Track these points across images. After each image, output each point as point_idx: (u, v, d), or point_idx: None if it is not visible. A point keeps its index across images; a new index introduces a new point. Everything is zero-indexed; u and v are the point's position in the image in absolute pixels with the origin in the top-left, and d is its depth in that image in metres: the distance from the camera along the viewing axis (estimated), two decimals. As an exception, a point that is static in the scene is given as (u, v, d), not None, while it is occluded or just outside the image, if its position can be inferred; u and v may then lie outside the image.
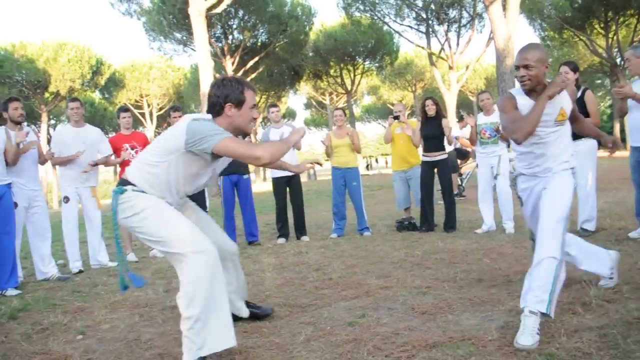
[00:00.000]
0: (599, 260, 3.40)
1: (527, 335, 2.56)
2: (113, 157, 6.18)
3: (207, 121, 2.74)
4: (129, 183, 2.77)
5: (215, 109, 2.78)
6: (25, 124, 5.53)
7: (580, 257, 3.37)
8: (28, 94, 28.84)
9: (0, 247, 4.79)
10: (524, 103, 3.05)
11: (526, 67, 2.95)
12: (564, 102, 3.06)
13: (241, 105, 2.77)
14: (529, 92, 3.05)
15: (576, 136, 5.36)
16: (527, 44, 3.08)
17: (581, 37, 29.50)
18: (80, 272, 5.65)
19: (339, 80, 36.04)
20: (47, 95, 29.96)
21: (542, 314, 2.63)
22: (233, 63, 26.14)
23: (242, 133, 2.89)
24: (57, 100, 30.46)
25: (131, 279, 2.96)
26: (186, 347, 2.54)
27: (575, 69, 5.52)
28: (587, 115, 5.34)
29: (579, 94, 5.43)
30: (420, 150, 6.96)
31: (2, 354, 3.03)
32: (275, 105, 7.22)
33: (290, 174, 6.90)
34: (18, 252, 5.24)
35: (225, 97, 2.75)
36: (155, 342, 3.04)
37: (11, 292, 4.76)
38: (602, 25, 28.92)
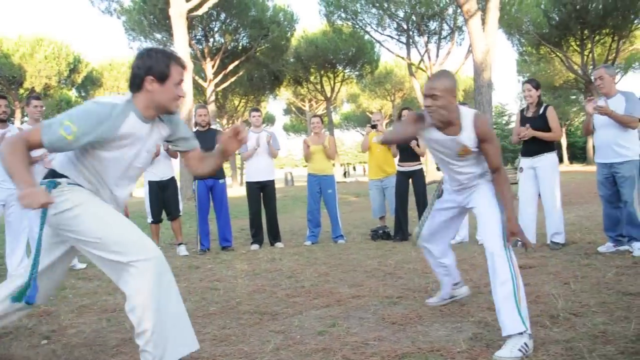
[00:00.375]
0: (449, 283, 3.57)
1: (506, 350, 2.55)
2: None
3: (87, 105, 2.39)
4: (61, 175, 2.43)
5: (136, 83, 2.41)
6: (10, 124, 5.42)
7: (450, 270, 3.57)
8: (2, 90, 28.24)
9: None
10: (430, 136, 3.00)
11: (432, 96, 2.83)
12: (466, 142, 2.92)
13: (164, 80, 2.40)
14: (440, 126, 2.93)
15: (538, 151, 5.55)
16: (437, 72, 3.01)
17: (558, 53, 30.14)
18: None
19: (319, 87, 36.13)
20: (21, 91, 29.40)
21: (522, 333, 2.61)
22: (213, 66, 26.02)
23: (165, 112, 2.51)
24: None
25: (32, 289, 2.37)
26: None
27: (537, 86, 5.76)
28: (549, 130, 5.56)
29: (541, 110, 5.65)
30: (396, 160, 7.01)
31: (-39, 358, 2.94)
32: (257, 110, 7.21)
33: (264, 178, 6.88)
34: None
35: (147, 69, 2.38)
36: (122, 349, 2.98)
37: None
38: (578, 42, 29.61)
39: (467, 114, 2.93)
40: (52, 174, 2.44)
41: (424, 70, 27.49)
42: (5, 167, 2.18)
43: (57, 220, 2.37)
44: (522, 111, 5.90)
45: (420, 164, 6.72)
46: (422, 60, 27.54)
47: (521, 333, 2.60)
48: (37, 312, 3.93)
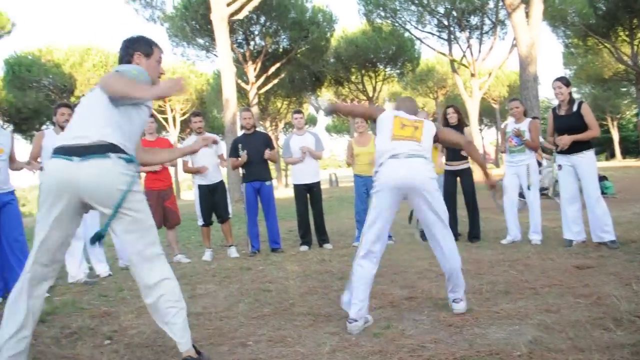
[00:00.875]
0: None
1: None
2: None
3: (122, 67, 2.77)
4: (121, 149, 2.55)
5: (125, 60, 2.84)
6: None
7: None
8: (54, 98, 29.35)
9: (12, 254, 4.80)
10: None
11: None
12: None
13: (149, 56, 2.86)
14: None
15: (576, 148, 5.41)
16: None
17: (605, 44, 29.06)
18: (109, 275, 5.73)
19: (360, 86, 36.02)
20: (72, 99, 30.45)
21: None
22: (255, 69, 26.32)
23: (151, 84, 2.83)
24: (82, 104, 30.97)
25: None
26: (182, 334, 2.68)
27: (567, 83, 5.67)
28: (585, 126, 5.43)
29: (575, 107, 5.54)
30: (442, 159, 6.92)
31: (32, 357, 3.07)
32: (299, 112, 7.23)
33: (311, 181, 6.92)
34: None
35: (134, 47, 2.85)
36: (182, 350, 3.05)
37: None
38: (627, 32, 28.46)
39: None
40: (113, 148, 2.52)
41: (466, 67, 27.02)
42: (125, 92, 2.51)
43: (129, 197, 2.54)
44: (554, 110, 5.78)
45: (468, 162, 6.61)
46: (464, 56, 27.08)
47: None
48: (99, 312, 4.08)
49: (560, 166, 5.72)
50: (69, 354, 3.12)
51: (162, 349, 3.10)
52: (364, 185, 6.98)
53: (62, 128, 5.44)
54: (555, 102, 5.81)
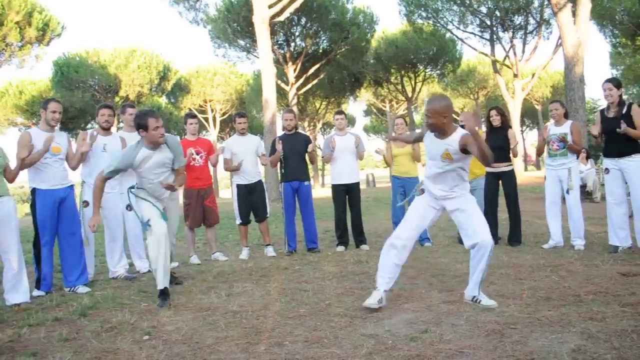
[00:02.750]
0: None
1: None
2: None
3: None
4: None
5: (139, 131, 4.47)
6: (115, 130, 5.80)
7: None
8: (100, 99, 30.18)
9: (67, 246, 5.03)
10: (429, 141, 3.90)
11: (427, 116, 3.72)
12: (450, 145, 3.69)
13: (146, 130, 4.38)
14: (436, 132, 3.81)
15: (624, 152, 5.23)
16: (432, 97, 3.75)
17: (656, 43, 28.00)
18: (149, 271, 5.83)
19: (399, 87, 35.74)
20: (117, 99, 31.26)
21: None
22: (295, 70, 26.45)
23: (157, 145, 4.51)
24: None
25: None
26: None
27: (618, 85, 5.54)
28: (635, 128, 5.32)
29: (625, 109, 5.41)
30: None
31: (73, 350, 3.15)
32: (341, 113, 7.19)
33: (350, 181, 6.90)
34: (93, 250, 5.49)
35: (137, 125, 4.44)
36: (218, 347, 3.09)
37: (82, 289, 4.97)
38: (679, 31, 27.36)
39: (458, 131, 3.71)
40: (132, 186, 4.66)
41: (509, 67, 26.46)
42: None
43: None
44: (602, 112, 5.62)
45: (511, 164, 6.47)
46: (507, 56, 26.53)
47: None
48: (138, 308, 4.16)
49: (607, 170, 5.55)
50: (108, 348, 3.19)
51: (199, 345, 3.14)
52: (401, 187, 6.92)
53: (103, 128, 5.59)
54: (601, 103, 5.65)
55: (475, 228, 3.72)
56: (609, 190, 5.59)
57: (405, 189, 6.89)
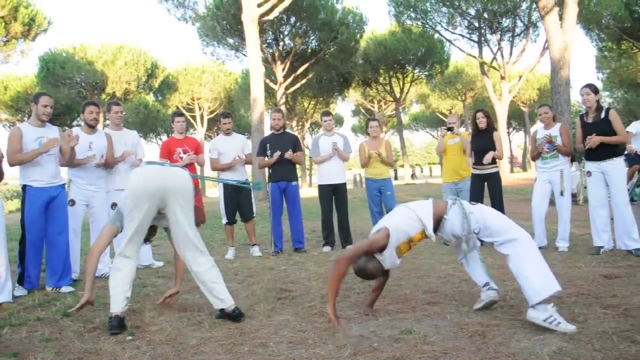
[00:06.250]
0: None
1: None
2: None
3: None
4: None
5: None
6: (99, 129, 5.73)
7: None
8: (86, 95, 29.92)
9: (53, 245, 4.98)
10: None
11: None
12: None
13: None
14: None
15: (606, 155, 5.33)
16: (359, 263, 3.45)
17: (641, 48, 28.35)
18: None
19: (387, 88, 35.89)
20: (103, 96, 31.02)
21: None
22: (283, 69, 26.42)
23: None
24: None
25: None
26: None
27: (595, 90, 5.63)
28: (614, 133, 5.43)
29: (603, 114, 5.52)
30: (470, 162, 6.84)
31: (55, 351, 3.12)
32: (328, 114, 7.23)
33: (337, 181, 6.91)
34: (78, 249, 5.44)
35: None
36: (202, 348, 3.07)
37: (65, 289, 4.93)
38: (664, 36, 27.69)
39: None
40: None
41: (496, 69, 26.70)
42: None
43: None
44: (582, 117, 5.73)
45: (496, 166, 6.52)
46: (494, 58, 26.76)
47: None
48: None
49: (589, 172, 5.63)
50: (91, 348, 3.16)
51: (183, 346, 3.12)
52: (376, 189, 6.99)
53: (90, 126, 5.54)
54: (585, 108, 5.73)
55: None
56: (592, 193, 5.67)
57: (380, 190, 6.96)
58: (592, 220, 5.66)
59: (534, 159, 6.41)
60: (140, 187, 3.44)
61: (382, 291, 3.87)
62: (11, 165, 4.85)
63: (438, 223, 3.50)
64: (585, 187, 12.29)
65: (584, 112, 5.78)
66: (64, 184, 5.15)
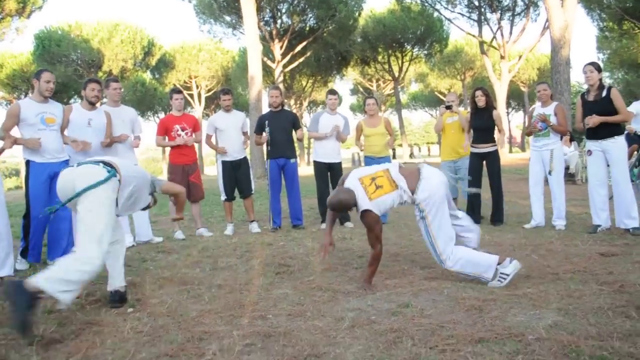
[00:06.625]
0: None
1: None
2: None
3: None
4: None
5: None
6: (100, 106, 5.69)
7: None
8: (82, 73, 29.69)
9: (57, 220, 4.99)
10: None
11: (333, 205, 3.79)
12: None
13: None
14: None
15: (607, 134, 5.34)
16: (340, 191, 3.78)
17: (642, 28, 28.15)
18: (133, 246, 5.83)
19: (386, 67, 35.70)
20: (100, 74, 30.78)
21: None
22: (281, 47, 26.21)
23: None
24: (110, 79, 31.35)
25: None
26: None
27: (598, 68, 5.58)
28: (615, 112, 5.41)
29: (604, 92, 5.49)
30: (469, 141, 6.83)
31: (57, 322, 3.16)
32: (334, 93, 7.15)
33: (332, 160, 6.91)
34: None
35: None
36: (203, 320, 3.11)
37: (66, 263, 4.95)
38: (665, 16, 27.49)
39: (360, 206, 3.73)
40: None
41: (496, 49, 26.51)
42: None
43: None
44: (582, 95, 5.71)
45: (495, 145, 6.52)
46: (494, 37, 26.57)
47: None
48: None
49: (590, 151, 5.64)
50: (93, 320, 3.20)
51: (183, 318, 3.16)
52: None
53: (91, 103, 5.50)
54: (586, 87, 5.71)
55: None
56: (591, 172, 5.68)
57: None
58: (591, 199, 5.68)
59: (527, 134, 6.43)
60: (59, 190, 3.38)
61: (379, 267, 3.90)
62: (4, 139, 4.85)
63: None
64: (584, 167, 12.36)
65: (585, 91, 5.76)
66: (67, 160, 5.14)
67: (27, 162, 4.95)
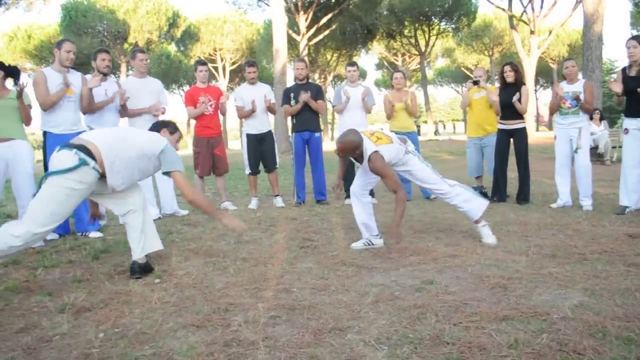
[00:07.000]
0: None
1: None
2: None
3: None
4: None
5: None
6: (113, 76, 5.72)
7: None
8: (109, 44, 29.88)
9: None
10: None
11: (341, 145, 4.02)
12: (367, 168, 4.14)
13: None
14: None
15: None
16: (346, 132, 4.07)
17: (681, 2, 27.16)
18: (159, 218, 5.92)
19: (412, 41, 35.15)
20: (126, 46, 30.96)
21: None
22: (306, 19, 25.96)
23: None
24: (135, 51, 31.48)
25: None
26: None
27: None
28: None
29: None
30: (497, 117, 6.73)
31: (87, 291, 3.25)
32: (353, 64, 7.07)
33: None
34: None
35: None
36: (228, 292, 3.16)
37: (94, 234, 5.07)
38: None
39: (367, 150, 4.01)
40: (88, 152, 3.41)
41: (526, 23, 25.79)
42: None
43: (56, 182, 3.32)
44: (624, 70, 5.48)
45: (523, 122, 6.40)
46: (524, 11, 25.84)
47: None
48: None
49: (626, 130, 5.47)
50: (121, 290, 3.28)
51: (209, 290, 3.22)
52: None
53: (103, 74, 5.49)
54: (618, 65, 5.52)
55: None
56: (626, 151, 5.52)
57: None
58: (623, 179, 5.53)
59: (552, 112, 6.27)
60: None
61: (403, 242, 3.90)
62: (45, 109, 4.90)
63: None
64: (613, 147, 12.10)
65: (626, 65, 5.55)
66: (84, 131, 5.20)
67: (44, 133, 5.03)
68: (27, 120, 4.80)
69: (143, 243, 3.67)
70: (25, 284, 3.47)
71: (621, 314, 2.59)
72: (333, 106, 7.04)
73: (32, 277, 3.62)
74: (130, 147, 3.46)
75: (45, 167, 4.99)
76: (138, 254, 3.63)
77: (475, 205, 4.33)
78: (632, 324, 2.45)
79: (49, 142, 4.97)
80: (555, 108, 6.07)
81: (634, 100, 5.36)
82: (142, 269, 3.61)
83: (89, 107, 5.26)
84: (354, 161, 4.30)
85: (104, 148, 3.35)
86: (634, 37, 5.34)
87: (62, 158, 3.24)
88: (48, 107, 4.88)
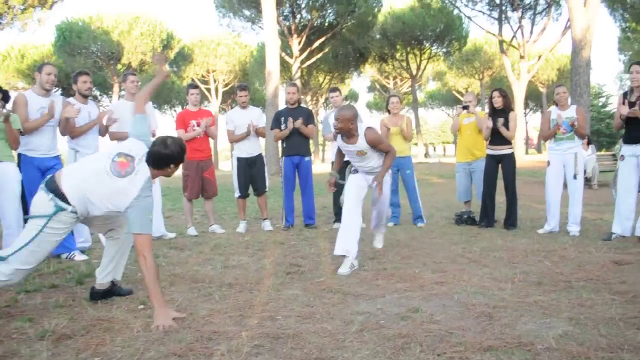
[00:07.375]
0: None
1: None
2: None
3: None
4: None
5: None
6: (90, 99, 5.71)
7: None
8: (102, 65, 29.99)
9: None
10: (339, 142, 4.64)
11: (336, 120, 4.37)
12: (362, 146, 4.43)
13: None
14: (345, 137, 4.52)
15: None
16: (341, 106, 4.49)
17: (667, 30, 27.68)
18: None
19: (404, 64, 35.51)
20: (119, 66, 31.04)
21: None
22: (299, 43, 26.23)
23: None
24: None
25: None
26: None
27: None
28: None
29: None
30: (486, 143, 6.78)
31: (69, 317, 3.20)
32: (335, 90, 7.13)
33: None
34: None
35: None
36: (212, 319, 3.13)
37: (79, 257, 5.02)
38: (691, 18, 27.01)
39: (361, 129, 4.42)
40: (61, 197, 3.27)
41: (516, 48, 26.17)
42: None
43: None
44: (624, 95, 5.51)
45: (511, 147, 6.45)
46: (514, 36, 26.24)
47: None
48: (134, 278, 4.20)
49: (623, 156, 5.50)
50: (104, 316, 3.24)
51: (193, 317, 3.18)
52: (395, 166, 6.92)
53: (83, 96, 5.48)
54: (606, 89, 5.59)
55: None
56: (621, 178, 5.53)
57: (398, 167, 6.86)
58: (617, 206, 5.54)
59: (545, 139, 6.30)
60: None
61: (390, 270, 3.88)
62: (26, 133, 4.86)
63: None
64: (601, 172, 12.21)
65: (627, 90, 5.58)
66: (59, 155, 5.17)
67: (19, 155, 4.97)
68: (13, 143, 4.77)
69: (111, 269, 3.65)
70: (6, 309, 3.42)
71: (605, 344, 2.59)
72: (324, 135, 7.07)
73: (13, 302, 3.57)
74: (100, 195, 3.23)
75: (23, 190, 4.93)
76: (98, 280, 3.63)
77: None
78: (615, 354, 2.45)
79: (24, 165, 4.92)
80: (551, 135, 6.08)
81: (632, 126, 5.37)
82: (95, 295, 3.60)
83: (68, 131, 5.24)
84: (345, 149, 4.60)
85: (72, 196, 3.19)
86: (637, 62, 5.36)
87: (40, 203, 3.20)
88: (28, 132, 4.85)
